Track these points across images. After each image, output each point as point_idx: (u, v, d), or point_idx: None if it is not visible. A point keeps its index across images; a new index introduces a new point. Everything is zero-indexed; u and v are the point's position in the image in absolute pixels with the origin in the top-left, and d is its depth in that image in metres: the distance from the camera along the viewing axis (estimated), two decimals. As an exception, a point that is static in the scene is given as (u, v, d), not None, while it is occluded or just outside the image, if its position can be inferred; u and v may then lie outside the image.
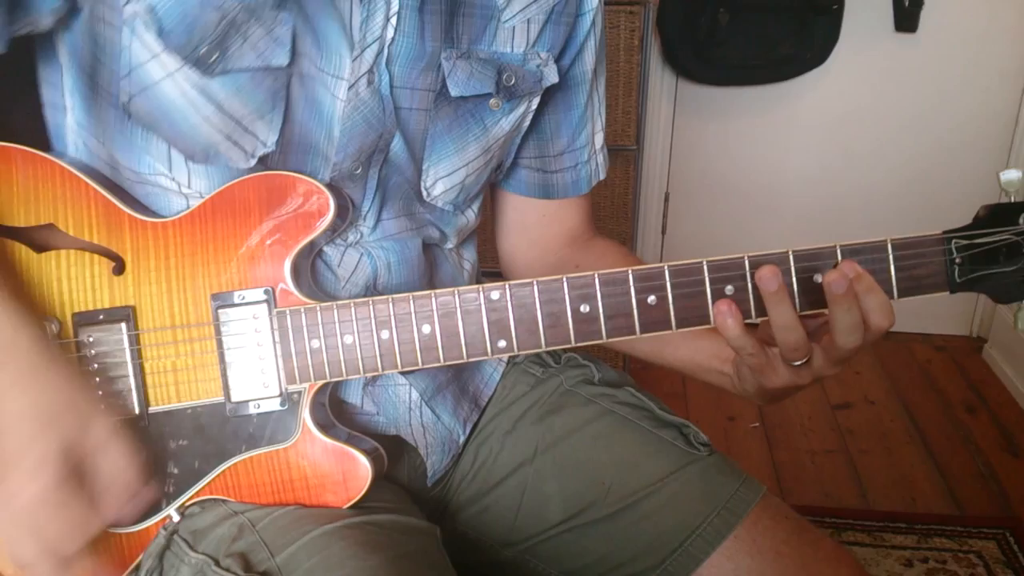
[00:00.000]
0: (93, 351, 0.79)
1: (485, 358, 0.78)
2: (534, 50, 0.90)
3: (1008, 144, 2.66)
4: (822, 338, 0.76)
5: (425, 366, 0.78)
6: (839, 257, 0.74)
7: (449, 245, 0.96)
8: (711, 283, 0.75)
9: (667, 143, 2.81)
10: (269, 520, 0.79)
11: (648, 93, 2.23)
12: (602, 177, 1.04)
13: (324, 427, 0.81)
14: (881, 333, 0.74)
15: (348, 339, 0.78)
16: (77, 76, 0.81)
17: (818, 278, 0.74)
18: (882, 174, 2.75)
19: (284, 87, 0.78)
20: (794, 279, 0.75)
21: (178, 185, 0.81)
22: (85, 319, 0.79)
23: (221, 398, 0.80)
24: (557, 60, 0.92)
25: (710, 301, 0.75)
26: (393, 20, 0.80)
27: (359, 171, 0.83)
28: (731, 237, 2.87)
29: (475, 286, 0.77)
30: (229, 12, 0.74)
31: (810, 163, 2.80)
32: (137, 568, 0.81)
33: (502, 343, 0.77)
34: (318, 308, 0.78)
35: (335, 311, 0.78)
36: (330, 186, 0.79)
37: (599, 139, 1.03)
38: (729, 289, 0.75)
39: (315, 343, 0.78)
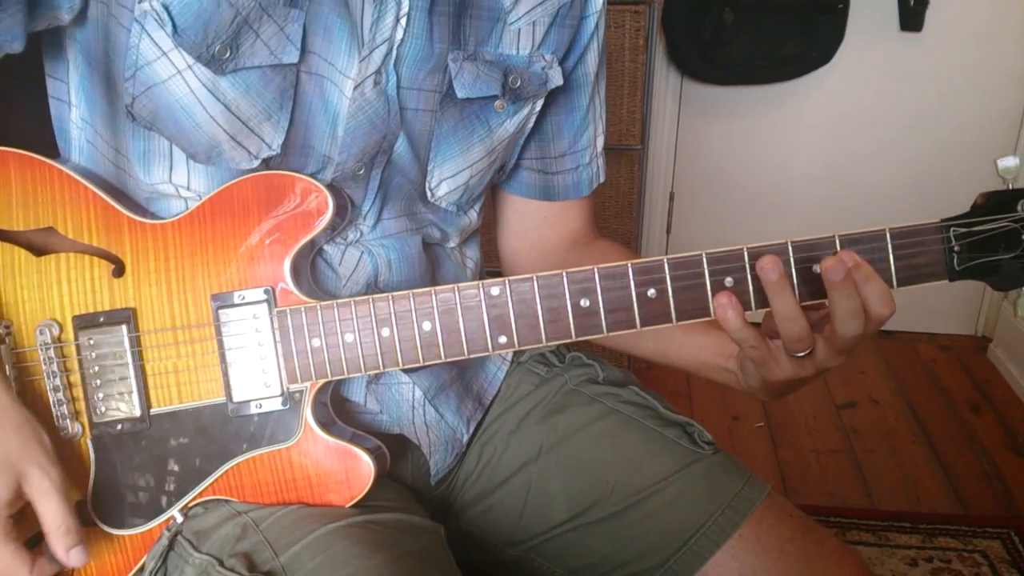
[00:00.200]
0: (94, 353, 0.79)
1: (486, 354, 0.78)
2: (539, 52, 0.90)
3: (1013, 143, 2.65)
4: (824, 328, 0.75)
5: (426, 363, 0.78)
6: (838, 247, 0.74)
7: (451, 244, 0.96)
8: (711, 275, 0.75)
9: (672, 143, 2.81)
10: (272, 520, 0.78)
11: (653, 93, 2.22)
12: (602, 180, 1.05)
13: (326, 426, 0.81)
14: (882, 321, 0.73)
15: (349, 337, 0.78)
16: (85, 72, 0.81)
17: (817, 268, 0.74)
18: (887, 173, 2.74)
19: (292, 86, 0.78)
20: (793, 269, 0.74)
21: (176, 188, 0.81)
22: (85, 322, 0.79)
23: (223, 398, 0.80)
24: (561, 62, 0.92)
25: (710, 293, 0.75)
26: (403, 21, 0.80)
27: (362, 171, 0.83)
28: (736, 236, 2.80)
29: (475, 282, 0.77)
30: (243, 9, 0.74)
31: (815, 162, 2.79)
32: (141, 570, 0.81)
33: (503, 339, 0.77)
34: (318, 307, 0.78)
35: (335, 309, 0.78)
36: (329, 185, 0.79)
37: (600, 142, 1.03)
38: (729, 281, 0.75)
39: (316, 342, 0.78)
